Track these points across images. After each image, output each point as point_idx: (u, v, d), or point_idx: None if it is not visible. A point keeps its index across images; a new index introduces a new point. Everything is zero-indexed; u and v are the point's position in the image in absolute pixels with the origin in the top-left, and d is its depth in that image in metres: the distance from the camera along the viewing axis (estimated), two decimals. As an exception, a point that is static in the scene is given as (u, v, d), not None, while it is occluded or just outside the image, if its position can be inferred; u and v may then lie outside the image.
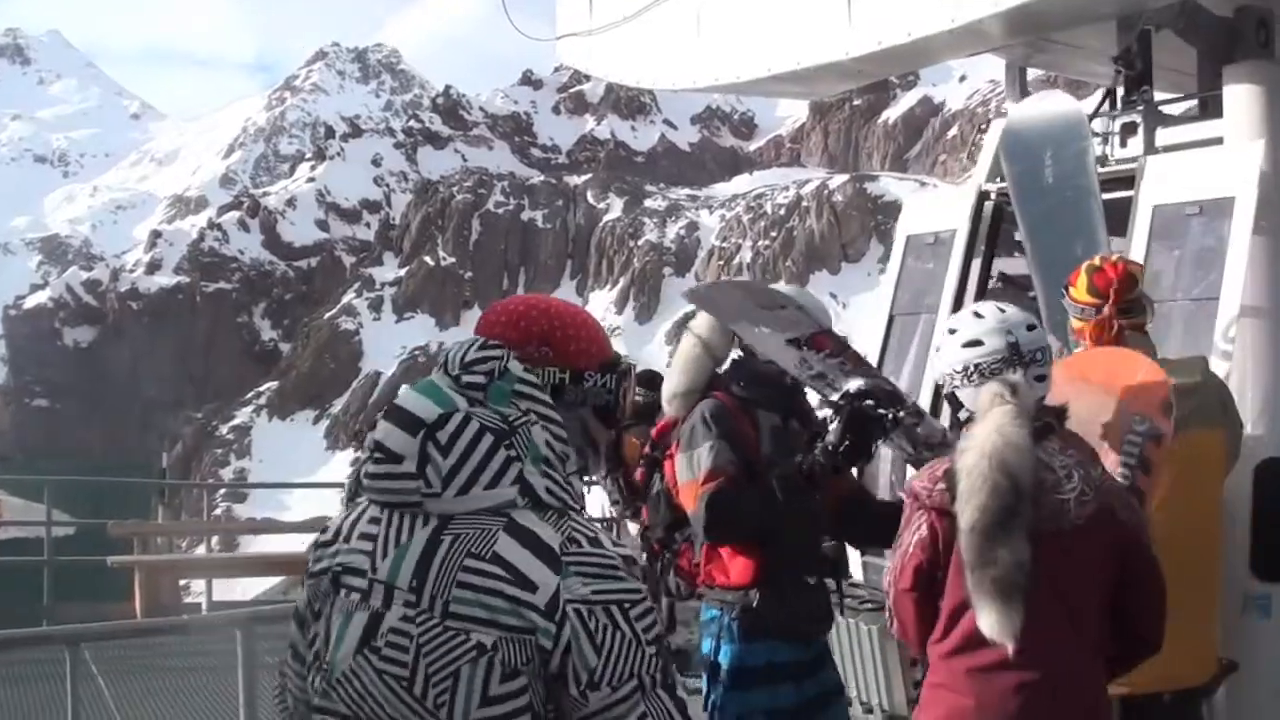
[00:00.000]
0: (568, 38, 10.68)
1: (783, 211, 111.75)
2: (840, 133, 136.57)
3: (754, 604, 5.31)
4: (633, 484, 11.19)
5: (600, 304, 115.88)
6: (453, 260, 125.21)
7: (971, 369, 4.14)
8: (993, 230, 7.55)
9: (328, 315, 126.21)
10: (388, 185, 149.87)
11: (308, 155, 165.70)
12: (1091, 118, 7.51)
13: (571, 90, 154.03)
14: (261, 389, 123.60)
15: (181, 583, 17.77)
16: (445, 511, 2.63)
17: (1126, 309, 4.63)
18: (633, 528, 11.52)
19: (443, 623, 2.55)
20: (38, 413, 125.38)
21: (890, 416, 4.86)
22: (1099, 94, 8.25)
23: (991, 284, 8.07)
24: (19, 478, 21.21)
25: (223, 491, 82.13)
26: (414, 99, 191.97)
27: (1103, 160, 6.86)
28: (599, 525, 2.80)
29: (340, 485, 12.80)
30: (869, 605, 6.93)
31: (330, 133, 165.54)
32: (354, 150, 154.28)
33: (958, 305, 7.23)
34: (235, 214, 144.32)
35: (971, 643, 3.86)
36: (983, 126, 11.17)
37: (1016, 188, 6.92)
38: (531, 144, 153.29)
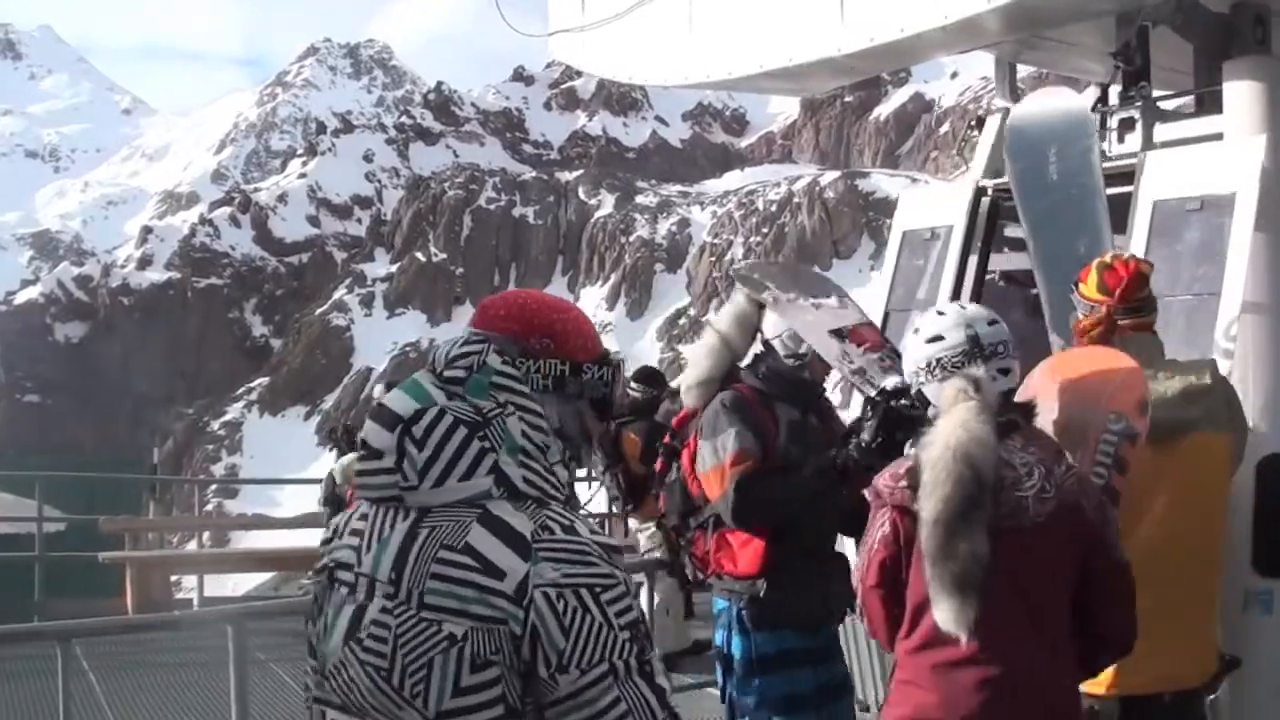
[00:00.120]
0: (560, 34, 10.69)
1: (774, 208, 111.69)
2: (832, 129, 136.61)
3: (761, 594, 5.34)
4: (632, 480, 11.22)
5: (592, 300, 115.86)
6: (444, 256, 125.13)
7: (934, 364, 4.18)
8: (989, 226, 7.54)
9: (319, 311, 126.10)
10: (379, 181, 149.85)
11: (299, 151, 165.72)
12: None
13: (563, 86, 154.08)
14: (253, 385, 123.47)
15: (173, 578, 17.77)
16: (423, 504, 2.67)
17: (1136, 308, 4.60)
18: (633, 523, 11.53)
19: (418, 614, 2.58)
20: (29, 408, 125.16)
21: (925, 416, 4.88)
22: (1091, 90, 8.26)
23: (995, 281, 8.08)
24: (10, 473, 21.14)
25: (214, 487, 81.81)
26: (406, 95, 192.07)
27: (1101, 156, 6.86)
28: (585, 515, 2.81)
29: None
30: None
31: (322, 128, 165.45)
32: (345, 146, 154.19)
33: (955, 300, 7.22)
34: (226, 209, 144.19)
35: (934, 639, 3.88)
36: (972, 122, 11.16)
37: (1020, 184, 6.90)
38: (523, 140, 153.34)
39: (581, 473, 11.46)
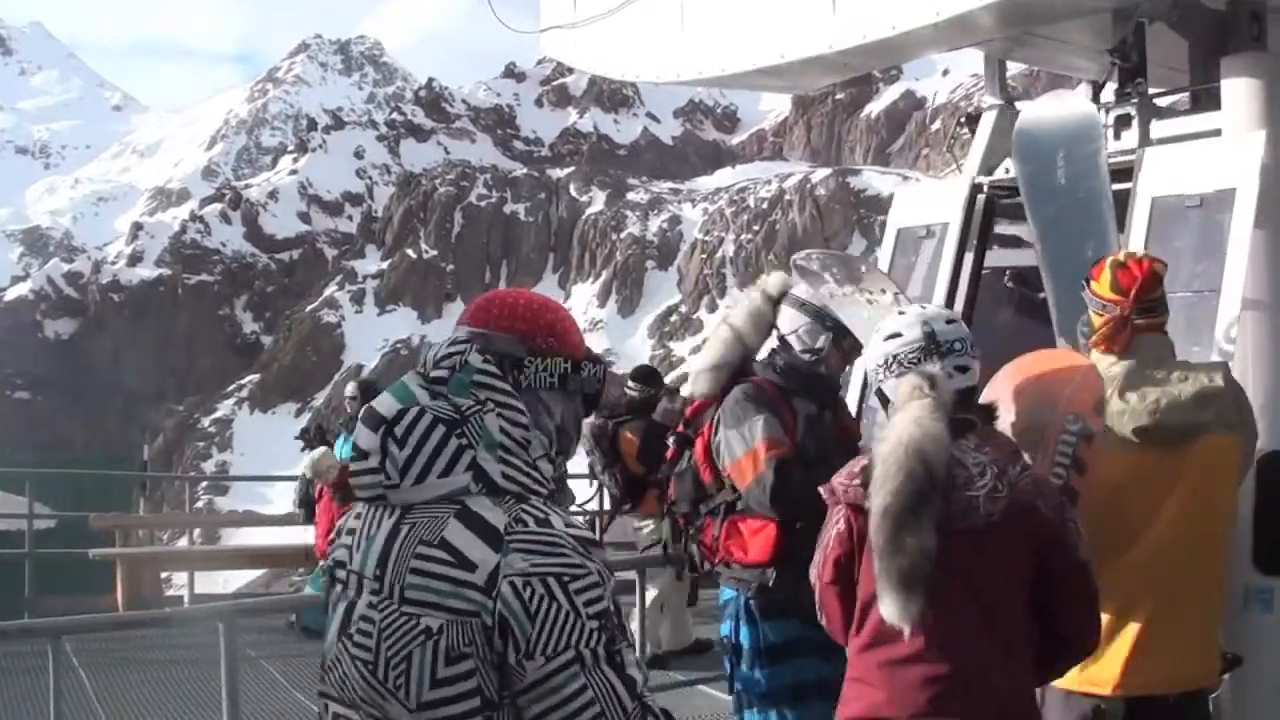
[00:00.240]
0: (552, 30, 10.67)
1: (765, 205, 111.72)
2: (823, 126, 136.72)
3: (770, 583, 5.35)
4: (630, 478, 11.22)
5: (583, 297, 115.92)
6: (435, 253, 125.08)
7: (891, 360, 4.19)
8: (985, 223, 7.53)
9: (309, 308, 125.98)
10: (370, 178, 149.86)
11: (290, 148, 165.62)
12: None
13: (554, 83, 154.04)
14: (243, 382, 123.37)
15: (163, 575, 17.73)
16: (405, 501, 2.73)
17: (1150, 307, 4.56)
18: (632, 521, 11.54)
19: (400, 608, 2.64)
20: (18, 405, 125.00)
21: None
22: (1083, 88, 8.26)
23: (1004, 283, 8.08)
24: None
25: (204, 484, 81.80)
26: (397, 91, 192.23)
27: (1099, 154, 6.85)
28: (579, 509, 2.84)
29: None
30: None
31: (312, 125, 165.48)
32: (336, 143, 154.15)
33: (951, 298, 7.22)
34: (217, 206, 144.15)
35: (883, 636, 3.91)
36: (961, 119, 11.15)
37: (1029, 188, 6.89)
38: (514, 137, 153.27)
39: (583, 470, 11.43)
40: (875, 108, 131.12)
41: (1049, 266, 6.57)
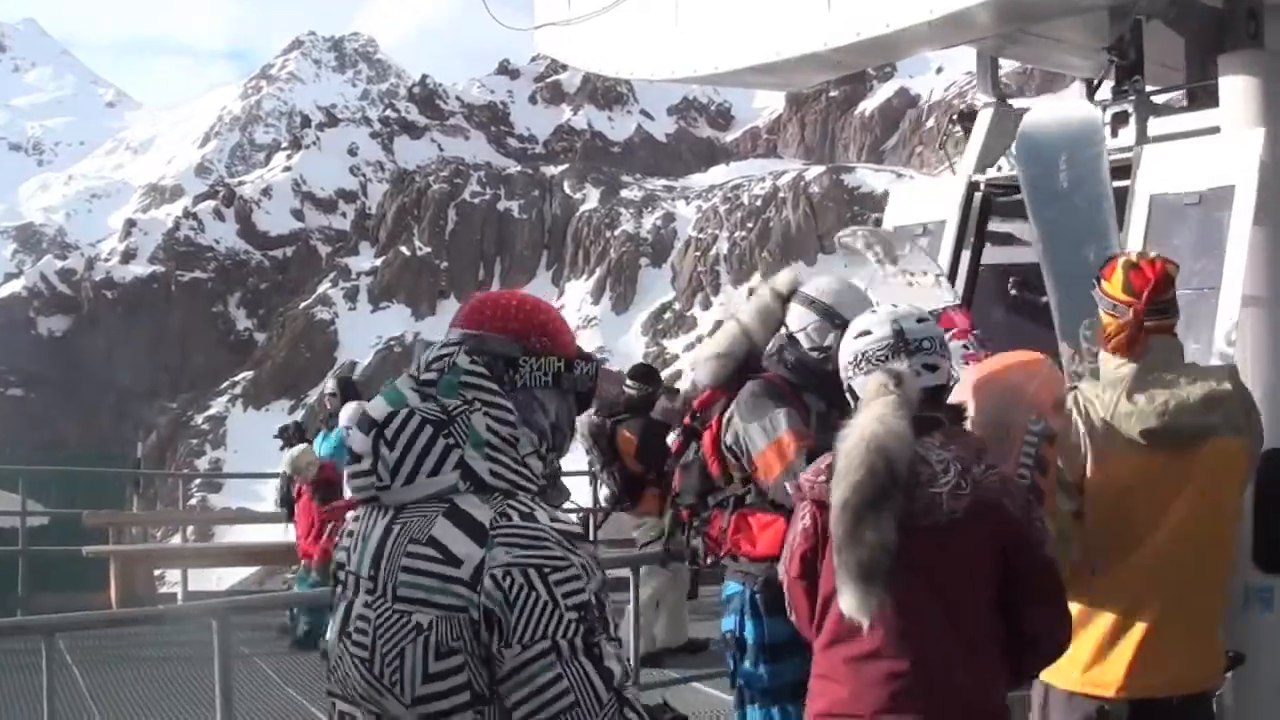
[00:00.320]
0: (546, 27, 10.65)
1: (759, 203, 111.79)
2: (817, 124, 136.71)
3: (777, 577, 5.37)
4: (628, 477, 11.22)
5: (576, 294, 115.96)
6: (429, 250, 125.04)
7: (860, 357, 4.25)
8: (982, 221, 7.53)
9: (303, 305, 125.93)
10: (364, 175, 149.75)
11: (284, 144, 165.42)
12: None
13: (548, 80, 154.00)
14: (237, 379, 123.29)
15: (157, 573, 17.72)
16: (397, 502, 2.80)
17: (1161, 309, 4.53)
18: (630, 519, 11.54)
19: (392, 606, 2.71)
20: (12, 402, 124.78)
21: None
22: (1076, 85, 8.26)
23: (1010, 290, 8.07)
24: (-7, 468, 21.09)
25: (198, 481, 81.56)
26: (390, 88, 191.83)
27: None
28: (573, 506, 2.89)
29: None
30: None
31: (306, 122, 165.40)
32: (330, 140, 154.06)
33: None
34: (210, 203, 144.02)
35: (844, 633, 3.94)
36: (953, 117, 11.16)
37: (1030, 190, 6.88)
38: (508, 134, 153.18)
39: (582, 467, 11.45)
40: (869, 105, 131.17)
41: (1051, 269, 6.56)
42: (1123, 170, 6.51)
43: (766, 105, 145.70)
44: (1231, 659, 4.78)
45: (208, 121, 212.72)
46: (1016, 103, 8.11)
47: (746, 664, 5.56)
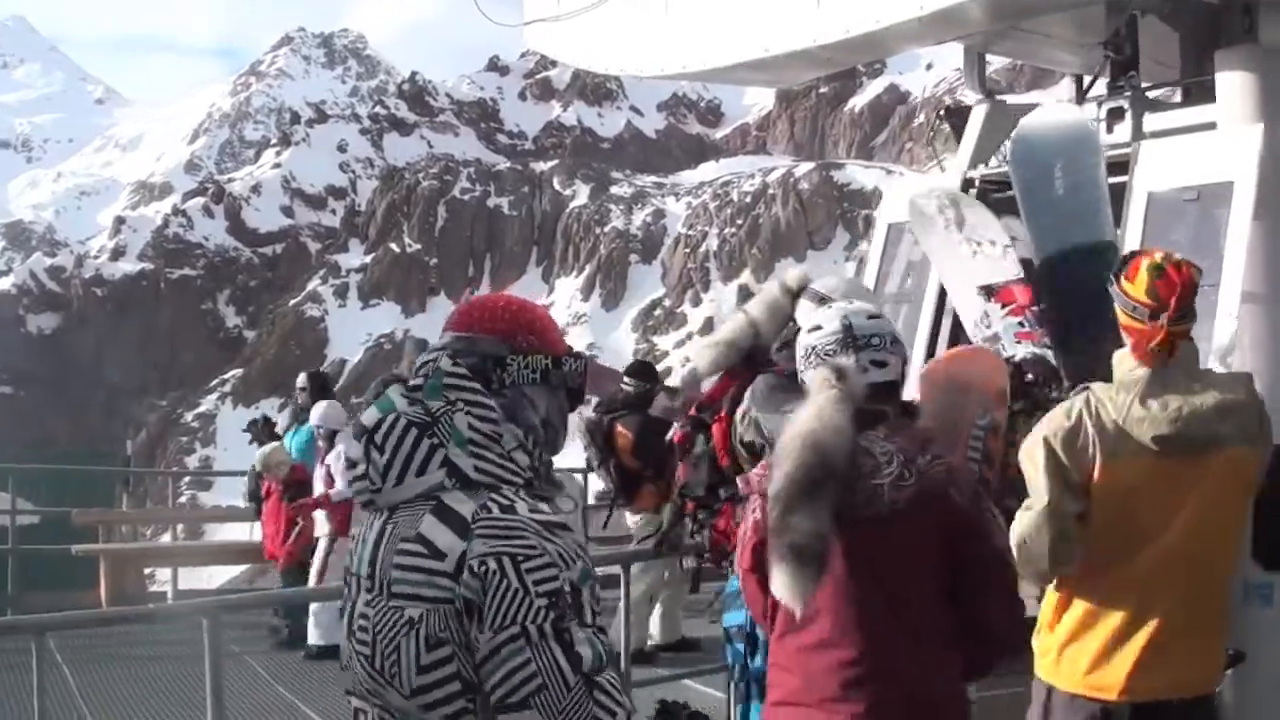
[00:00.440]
0: (535, 23, 10.65)
1: (749, 199, 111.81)
2: (806, 120, 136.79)
3: None
4: (624, 473, 11.22)
5: (566, 291, 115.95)
6: (418, 247, 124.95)
7: (810, 352, 4.30)
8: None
9: (293, 302, 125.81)
10: (353, 171, 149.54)
11: (273, 141, 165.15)
12: (1077, 104, 7.49)
13: (538, 76, 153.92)
14: (226, 376, 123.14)
15: (147, 571, 17.68)
16: (390, 503, 2.92)
17: (1184, 315, 4.49)
18: (629, 516, 11.52)
19: (388, 602, 2.83)
20: (1, 400, 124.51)
21: (1040, 392, 4.91)
22: (1066, 81, 8.27)
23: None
24: (-18, 466, 21.03)
25: (187, 479, 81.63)
26: (380, 85, 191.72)
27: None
28: (556, 500, 3.02)
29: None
30: None
31: (296, 118, 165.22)
32: (319, 136, 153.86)
33: (943, 292, 7.21)
34: (200, 200, 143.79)
35: (794, 624, 4.00)
36: (940, 112, 11.17)
37: (1024, 196, 6.87)
38: (498, 130, 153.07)
39: (579, 464, 11.40)
40: (859, 102, 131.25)
41: (1046, 279, 6.54)
42: (1119, 166, 6.51)
43: (756, 102, 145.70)
44: (1232, 657, 4.77)
45: (197, 118, 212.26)
46: (1008, 99, 8.12)
47: (756, 660, 5.56)
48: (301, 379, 14.21)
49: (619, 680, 2.83)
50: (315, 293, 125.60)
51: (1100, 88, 7.45)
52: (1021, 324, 5.44)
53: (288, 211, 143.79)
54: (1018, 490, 4.59)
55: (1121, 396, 4.35)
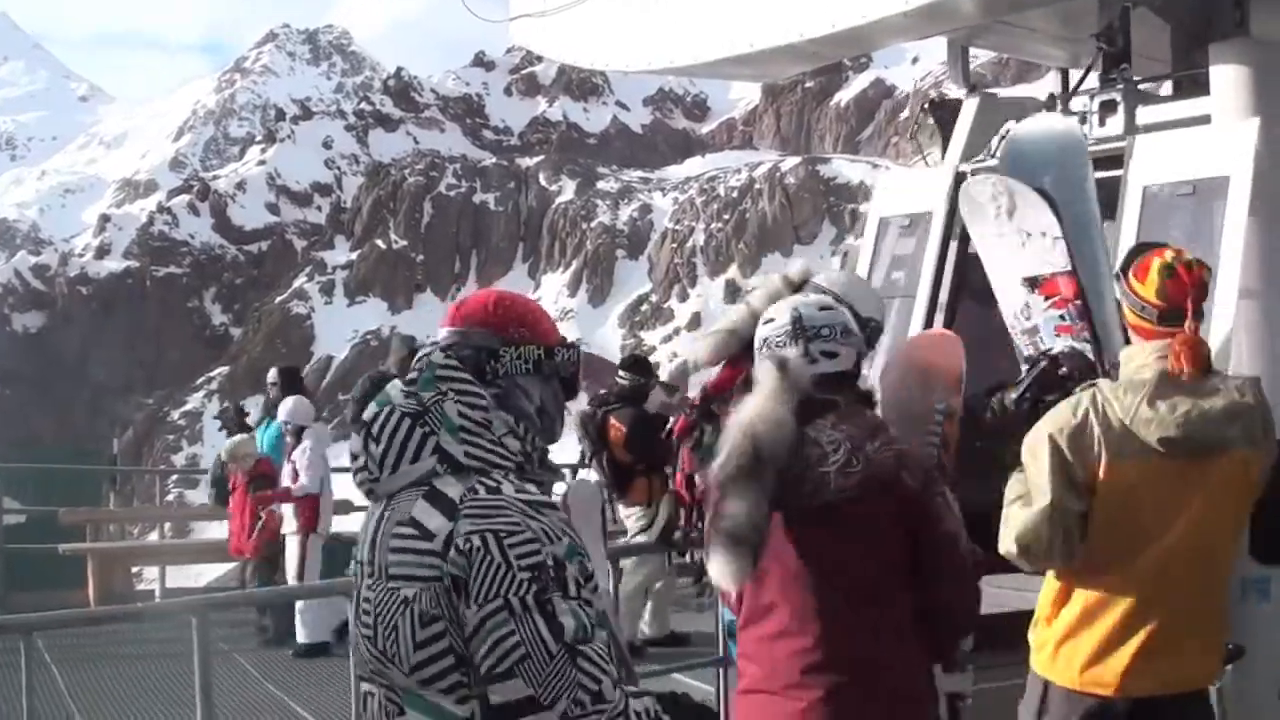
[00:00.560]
0: (521, 19, 10.64)
1: (735, 194, 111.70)
2: (792, 115, 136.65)
3: None
4: (617, 466, 11.24)
5: (553, 287, 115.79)
6: (404, 243, 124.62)
7: (763, 343, 4.41)
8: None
9: (279, 299, 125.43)
10: (339, 168, 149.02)
11: (258, 138, 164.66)
12: (1068, 98, 7.49)
13: (523, 72, 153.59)
14: (213, 374, 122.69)
15: (134, 570, 17.67)
16: (388, 491, 3.08)
17: (1197, 315, 4.38)
18: (621, 509, 11.53)
19: (386, 584, 2.99)
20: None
21: (1075, 386, 4.92)
22: (1052, 75, 8.27)
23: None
24: (-33, 465, 20.96)
25: (175, 477, 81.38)
26: (365, 81, 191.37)
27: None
28: (550, 486, 3.21)
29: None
30: None
31: (281, 115, 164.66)
32: (305, 133, 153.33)
33: (936, 287, 7.22)
34: (185, 197, 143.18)
35: (756, 613, 4.16)
36: (924, 106, 11.19)
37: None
38: (483, 126, 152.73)
39: (573, 457, 11.38)
40: (845, 96, 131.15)
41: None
42: (1112, 160, 6.50)
43: (742, 96, 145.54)
44: (1231, 651, 4.77)
45: (181, 115, 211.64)
46: (997, 92, 8.12)
47: None
48: (272, 374, 14.21)
49: (606, 651, 2.94)
50: (301, 290, 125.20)
51: (1091, 80, 7.44)
52: (1063, 317, 5.43)
53: (273, 209, 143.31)
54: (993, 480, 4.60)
55: (1129, 397, 4.32)
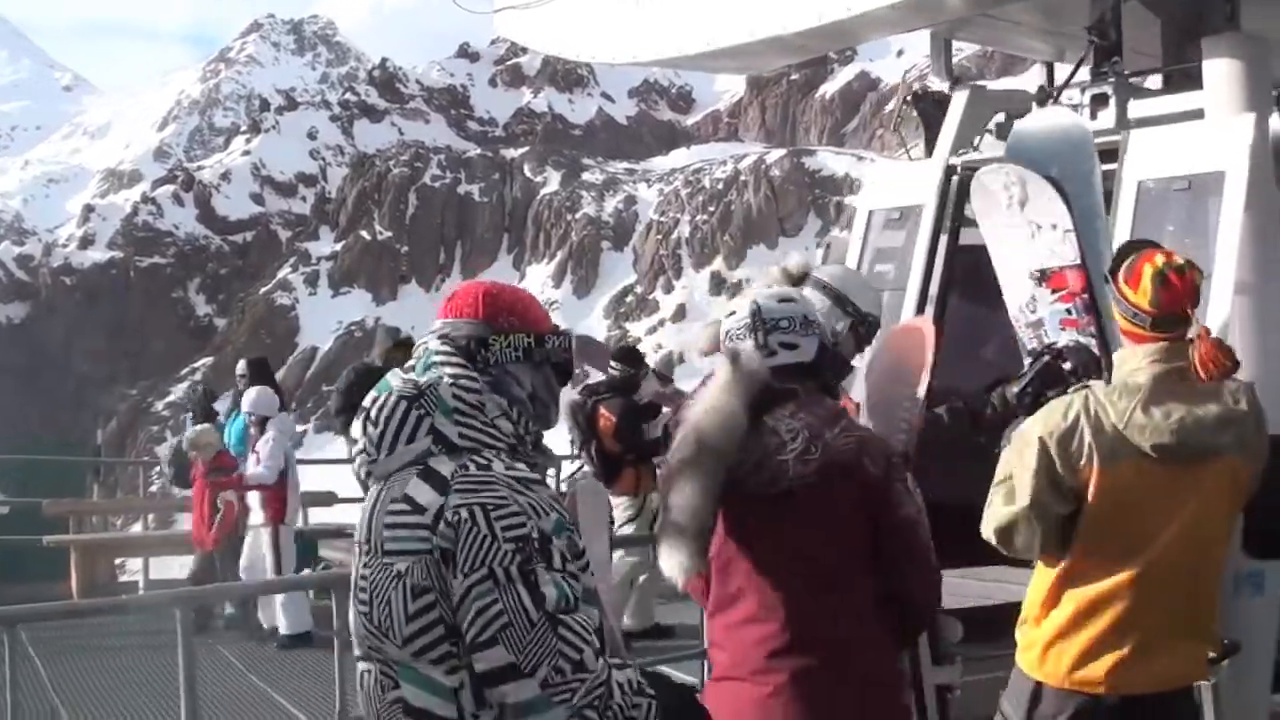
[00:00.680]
0: (506, 10, 10.63)
1: (720, 186, 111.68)
2: (777, 107, 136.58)
3: None
4: (606, 456, 11.28)
5: (538, 278, 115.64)
6: (389, 234, 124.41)
7: (726, 336, 4.47)
8: (959, 204, 7.50)
9: (263, 290, 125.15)
10: (323, 159, 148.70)
11: (242, 128, 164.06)
12: (1059, 91, 7.48)
13: (508, 63, 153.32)
14: (197, 365, 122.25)
15: (118, 561, 17.64)
16: (385, 472, 3.20)
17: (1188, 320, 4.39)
18: (615, 500, 11.56)
19: (380, 560, 3.11)
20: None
21: (1078, 381, 4.92)
22: (1038, 69, 8.27)
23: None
24: (-49, 457, 20.92)
25: (158, 469, 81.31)
26: (350, 71, 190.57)
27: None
28: (545, 470, 3.21)
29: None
30: None
31: (265, 105, 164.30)
32: (289, 123, 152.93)
33: (927, 279, 7.22)
34: (169, 188, 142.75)
35: (724, 601, 4.23)
36: (907, 98, 11.25)
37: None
38: (468, 117, 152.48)
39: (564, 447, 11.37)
40: (830, 88, 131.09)
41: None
42: (1105, 154, 6.49)
43: (727, 89, 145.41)
44: (1226, 647, 4.77)
45: (166, 105, 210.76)
46: (975, 85, 8.12)
47: None
48: (241, 366, 14.21)
49: (591, 623, 3.05)
50: (286, 281, 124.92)
51: (1081, 74, 7.44)
52: (1069, 311, 5.42)
53: (258, 199, 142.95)
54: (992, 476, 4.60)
55: (1124, 402, 4.31)
